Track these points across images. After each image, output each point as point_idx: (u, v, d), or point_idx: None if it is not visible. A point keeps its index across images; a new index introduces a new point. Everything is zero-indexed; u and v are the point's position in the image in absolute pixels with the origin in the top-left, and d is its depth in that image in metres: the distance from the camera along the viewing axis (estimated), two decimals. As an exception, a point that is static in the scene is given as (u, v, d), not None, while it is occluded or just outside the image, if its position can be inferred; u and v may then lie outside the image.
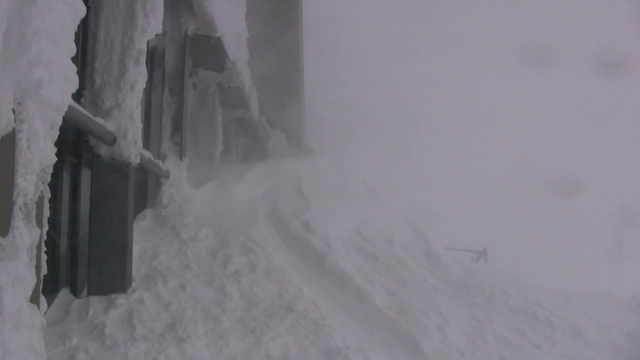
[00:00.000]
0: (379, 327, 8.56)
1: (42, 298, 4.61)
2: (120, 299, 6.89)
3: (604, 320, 11.35)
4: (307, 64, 20.54)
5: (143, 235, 8.71)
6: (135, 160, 7.22)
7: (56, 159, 4.58)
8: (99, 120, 6.64)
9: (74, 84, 4.74)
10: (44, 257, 4.65)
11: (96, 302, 6.73)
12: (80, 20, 4.92)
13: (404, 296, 9.69)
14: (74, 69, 4.72)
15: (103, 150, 7.01)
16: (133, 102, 7.07)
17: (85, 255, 7.00)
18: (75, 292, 6.83)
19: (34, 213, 4.29)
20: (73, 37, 4.70)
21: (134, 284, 7.32)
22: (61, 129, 4.68)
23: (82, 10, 4.84)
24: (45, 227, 4.69)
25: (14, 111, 3.96)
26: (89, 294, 6.91)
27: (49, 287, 5.97)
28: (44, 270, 4.67)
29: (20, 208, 4.12)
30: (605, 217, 42.86)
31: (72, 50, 4.68)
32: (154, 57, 10.09)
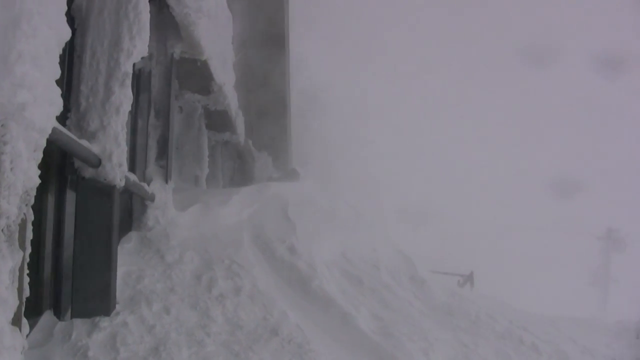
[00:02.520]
0: (363, 351, 8.53)
1: (24, 321, 4.59)
2: (104, 322, 6.85)
3: (590, 345, 11.38)
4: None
5: (127, 258, 8.67)
6: (120, 183, 7.20)
7: (40, 181, 4.58)
8: (84, 142, 6.63)
9: (58, 106, 4.75)
10: (27, 279, 4.63)
11: (79, 325, 6.69)
12: (66, 43, 4.94)
13: (389, 320, 9.68)
14: (58, 91, 4.73)
15: (88, 173, 6.97)
16: (118, 125, 7.06)
17: (70, 278, 6.96)
18: (58, 314, 6.78)
19: (16, 235, 4.28)
20: (58, 60, 4.72)
21: (118, 307, 7.29)
22: (46, 151, 4.68)
23: (67, 33, 4.87)
24: (28, 250, 4.68)
25: (-3, 133, 3.97)
26: (72, 316, 6.86)
27: (32, 309, 5.94)
28: (27, 292, 4.66)
29: (2, 230, 4.11)
30: (592, 240, 42.98)
31: (57, 73, 4.70)
32: (140, 80, 10.08)
